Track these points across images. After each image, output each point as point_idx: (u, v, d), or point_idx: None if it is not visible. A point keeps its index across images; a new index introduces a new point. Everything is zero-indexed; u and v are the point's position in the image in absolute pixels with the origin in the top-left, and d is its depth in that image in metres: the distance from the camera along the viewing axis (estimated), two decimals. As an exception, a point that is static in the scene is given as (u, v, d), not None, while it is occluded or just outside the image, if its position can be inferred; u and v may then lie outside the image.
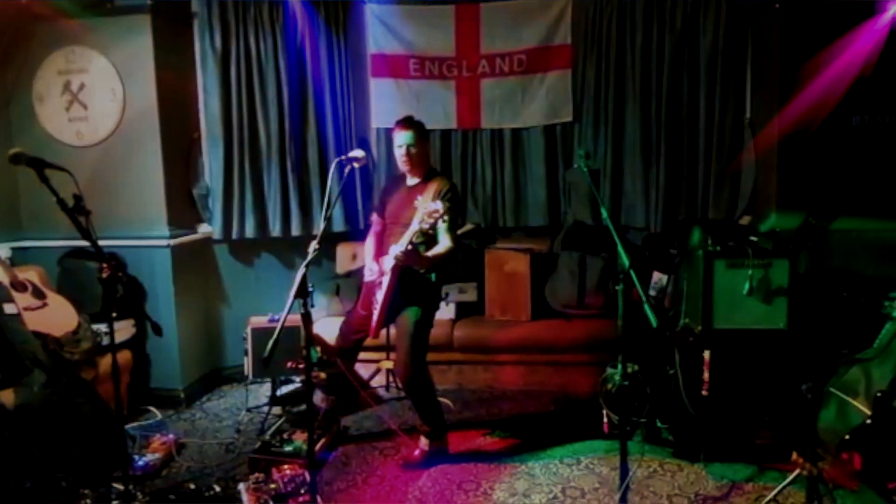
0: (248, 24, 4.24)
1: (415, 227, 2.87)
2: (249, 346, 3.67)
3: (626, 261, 2.09)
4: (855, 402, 2.87)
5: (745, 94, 4.18)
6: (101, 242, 2.26)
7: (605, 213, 2.43)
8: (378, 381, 4.17)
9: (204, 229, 4.41)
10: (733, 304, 3.00)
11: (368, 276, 3.20)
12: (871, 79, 3.48)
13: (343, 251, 4.54)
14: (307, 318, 2.23)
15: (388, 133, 4.55)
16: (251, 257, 4.58)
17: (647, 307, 2.08)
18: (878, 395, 2.69)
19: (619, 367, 2.24)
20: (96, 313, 3.56)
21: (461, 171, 4.59)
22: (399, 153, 3.15)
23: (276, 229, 4.42)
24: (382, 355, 4.03)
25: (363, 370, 4.08)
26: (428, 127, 3.26)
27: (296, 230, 4.44)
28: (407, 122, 3.15)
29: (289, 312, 2.21)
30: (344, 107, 4.47)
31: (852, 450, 2.78)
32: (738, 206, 4.21)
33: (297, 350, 2.22)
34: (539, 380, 4.13)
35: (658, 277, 3.99)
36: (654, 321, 2.05)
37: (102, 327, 3.49)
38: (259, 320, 3.71)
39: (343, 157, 2.58)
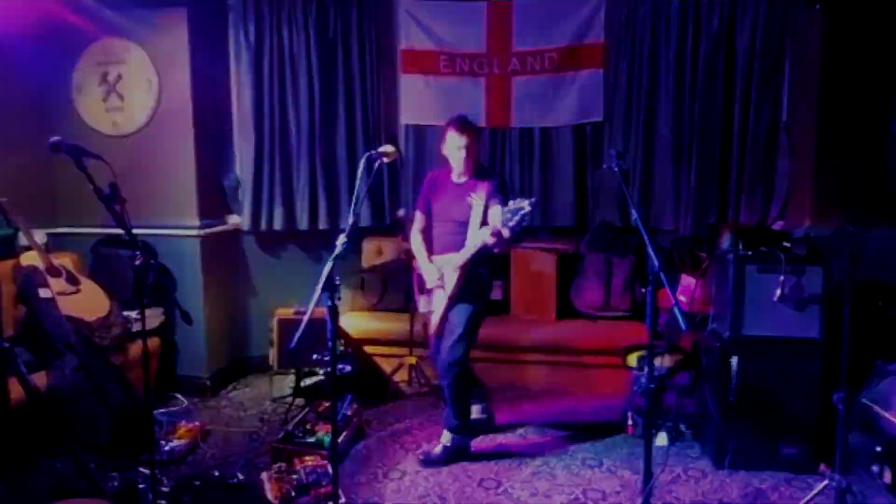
0: (281, 19, 4.30)
1: (498, 223, 2.82)
2: (275, 337, 3.72)
3: (656, 262, 2.07)
4: (887, 415, 2.81)
5: (781, 97, 4.09)
6: (133, 231, 2.31)
7: (635, 214, 2.40)
8: (401, 377, 4.18)
9: (233, 220, 4.47)
10: (764, 310, 2.95)
11: (432, 283, 3.15)
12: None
13: (369, 246, 4.55)
14: (335, 312, 2.24)
15: (417, 130, 4.56)
16: (278, 249, 4.63)
17: (677, 310, 2.05)
18: (913, 408, 2.63)
19: (647, 369, 2.22)
20: (127, 300, 3.63)
21: (489, 169, 4.58)
22: (458, 155, 3.09)
23: (303, 222, 4.46)
24: (405, 350, 4.04)
25: (386, 365, 4.10)
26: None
27: (323, 224, 4.47)
28: (462, 125, 3.09)
29: (316, 305, 2.23)
30: (374, 102, 4.48)
31: (883, 463, 2.71)
32: (771, 211, 4.13)
33: (322, 342, 2.24)
34: (562, 380, 4.10)
35: (686, 280, 3.93)
36: (683, 324, 2.02)
37: (133, 314, 3.57)
38: (285, 312, 3.76)
39: (372, 153, 2.58)
